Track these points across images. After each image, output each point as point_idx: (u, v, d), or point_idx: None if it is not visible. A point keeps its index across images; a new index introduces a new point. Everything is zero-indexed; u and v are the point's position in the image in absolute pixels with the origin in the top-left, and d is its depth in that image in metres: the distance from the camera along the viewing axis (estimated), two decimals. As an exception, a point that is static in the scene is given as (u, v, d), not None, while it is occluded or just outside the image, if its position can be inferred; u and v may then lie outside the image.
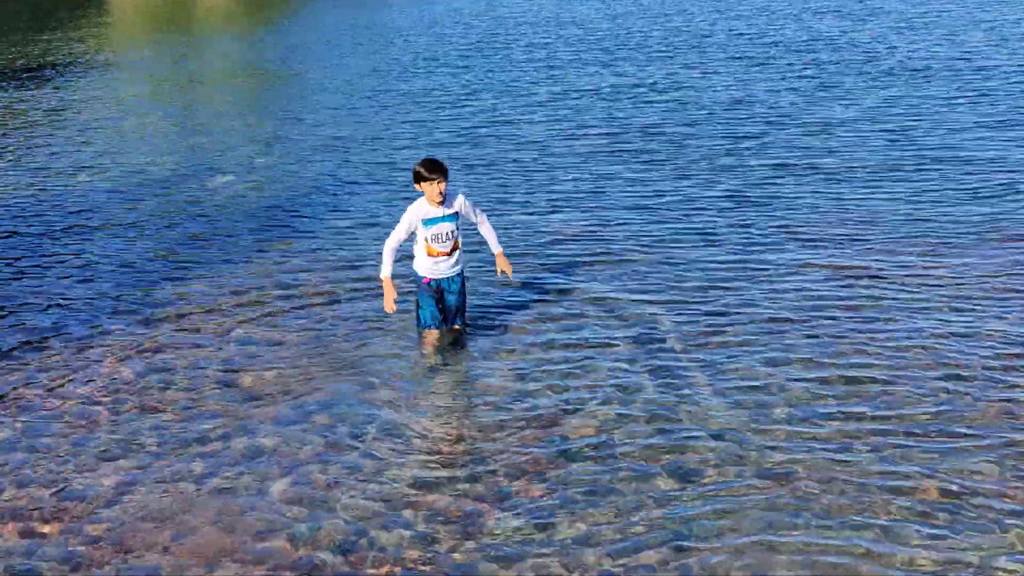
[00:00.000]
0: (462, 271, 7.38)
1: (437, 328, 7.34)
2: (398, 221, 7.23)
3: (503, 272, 7.46)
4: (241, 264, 9.32)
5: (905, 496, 5.30)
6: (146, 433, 6.28)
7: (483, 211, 7.47)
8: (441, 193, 6.98)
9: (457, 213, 7.17)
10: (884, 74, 17.39)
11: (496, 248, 7.45)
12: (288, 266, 9.21)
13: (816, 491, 5.37)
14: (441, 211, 7.08)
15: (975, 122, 13.40)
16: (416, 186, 7.09)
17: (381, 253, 7.22)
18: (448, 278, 7.29)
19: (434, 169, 6.95)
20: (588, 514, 5.26)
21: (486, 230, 7.41)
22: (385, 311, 7.26)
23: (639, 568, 4.83)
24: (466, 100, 16.91)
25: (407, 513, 5.35)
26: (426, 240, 7.11)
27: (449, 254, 7.20)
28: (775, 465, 5.64)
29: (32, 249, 9.97)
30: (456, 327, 7.46)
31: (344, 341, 7.52)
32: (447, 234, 7.14)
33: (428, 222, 7.08)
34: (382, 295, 7.30)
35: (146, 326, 7.96)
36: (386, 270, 7.14)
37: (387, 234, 7.30)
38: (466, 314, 7.54)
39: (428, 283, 7.25)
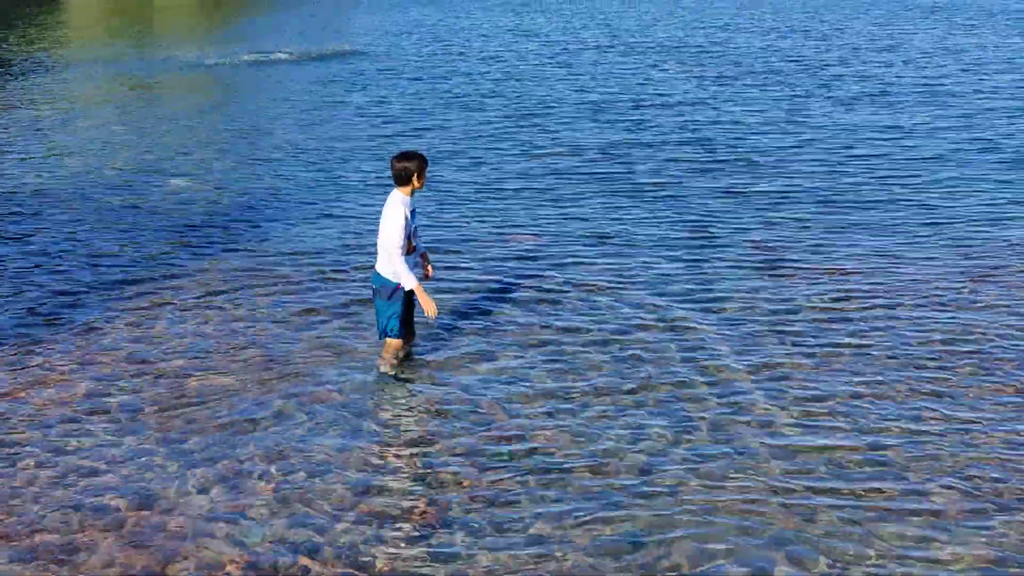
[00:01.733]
0: None
1: (401, 337, 7.12)
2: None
3: (427, 277, 7.25)
4: (196, 268, 9.26)
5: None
6: (85, 438, 6.21)
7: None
8: (422, 179, 6.82)
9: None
10: (851, 97, 17.71)
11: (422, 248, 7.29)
12: (244, 270, 9.16)
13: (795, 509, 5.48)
14: (413, 205, 6.97)
15: (938, 146, 13.71)
16: (414, 179, 6.77)
17: (390, 262, 6.83)
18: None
19: (413, 156, 6.80)
20: (538, 526, 5.30)
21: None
22: (430, 316, 6.87)
23: None
24: (422, 109, 16.94)
25: (353, 520, 5.36)
26: (409, 238, 6.87)
27: (415, 250, 7.09)
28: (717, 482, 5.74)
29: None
30: (411, 336, 7.34)
31: (300, 346, 7.51)
32: (416, 228, 7.08)
33: (413, 215, 6.93)
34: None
35: (92, 329, 7.87)
36: (413, 279, 6.81)
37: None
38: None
39: (400, 289, 6.93)
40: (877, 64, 20.63)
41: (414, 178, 6.81)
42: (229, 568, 4.99)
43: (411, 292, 6.94)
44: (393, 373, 7.09)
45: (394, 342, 7.11)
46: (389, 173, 6.94)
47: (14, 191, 11.95)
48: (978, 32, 24.44)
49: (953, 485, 5.59)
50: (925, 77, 18.85)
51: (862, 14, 28.63)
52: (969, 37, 23.66)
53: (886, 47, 22.98)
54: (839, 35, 24.89)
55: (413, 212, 6.95)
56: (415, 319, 7.29)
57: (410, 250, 6.94)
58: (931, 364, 7.07)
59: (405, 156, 6.86)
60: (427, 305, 6.80)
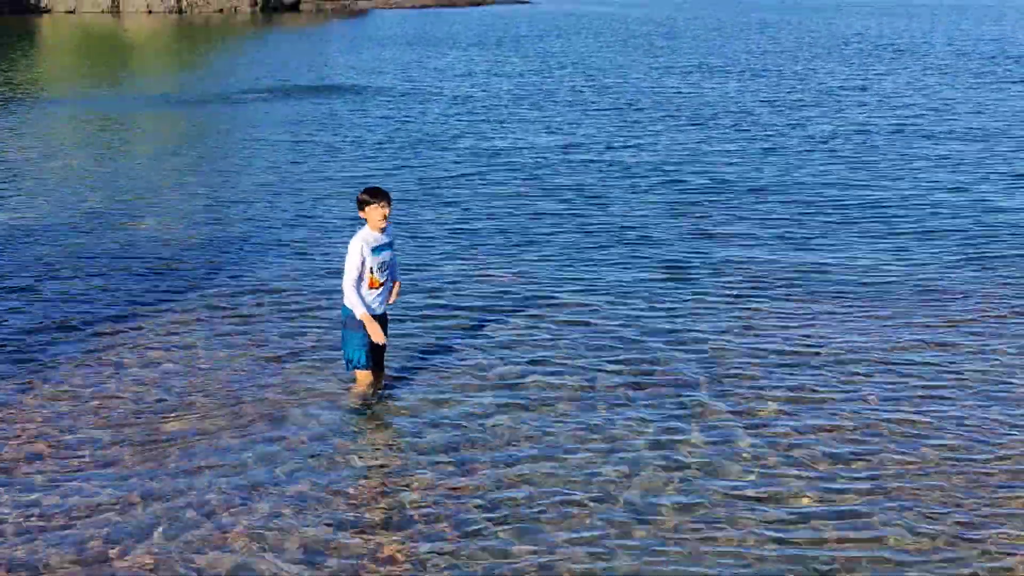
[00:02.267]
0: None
1: (369, 368, 7.23)
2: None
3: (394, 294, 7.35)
4: (165, 308, 9.14)
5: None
6: (50, 478, 6.08)
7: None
8: (385, 217, 7.00)
9: (392, 241, 7.20)
10: (824, 137, 17.91)
11: (396, 277, 7.35)
12: (213, 310, 9.05)
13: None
14: (384, 238, 7.09)
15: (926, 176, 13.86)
16: (360, 213, 7.08)
17: (343, 291, 7.05)
18: (380, 313, 7.19)
19: (378, 194, 7.02)
20: (506, 565, 5.23)
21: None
22: (378, 342, 7.06)
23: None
24: (395, 149, 16.98)
25: (326, 563, 5.26)
26: (371, 271, 7.03)
27: (382, 287, 7.16)
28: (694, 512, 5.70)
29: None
30: (380, 370, 7.36)
31: (270, 384, 7.42)
32: (386, 263, 7.13)
33: (375, 250, 7.04)
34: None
35: (63, 365, 7.75)
36: (363, 307, 6.98)
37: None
38: (386, 351, 7.44)
39: (357, 322, 7.01)
40: (850, 104, 20.91)
41: (362, 213, 7.06)
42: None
43: (377, 321, 7.07)
44: (363, 406, 7.06)
45: (361, 374, 7.22)
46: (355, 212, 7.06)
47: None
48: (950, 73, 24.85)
49: (942, 524, 5.56)
50: (898, 117, 19.12)
51: (834, 53, 29.08)
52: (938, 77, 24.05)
53: (858, 87, 23.32)
54: (812, 75, 25.25)
55: (381, 247, 7.04)
56: (387, 354, 7.39)
57: (372, 284, 7.04)
58: (908, 398, 7.07)
59: (362, 191, 7.17)
60: (373, 333, 7.04)
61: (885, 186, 13.69)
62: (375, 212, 7.00)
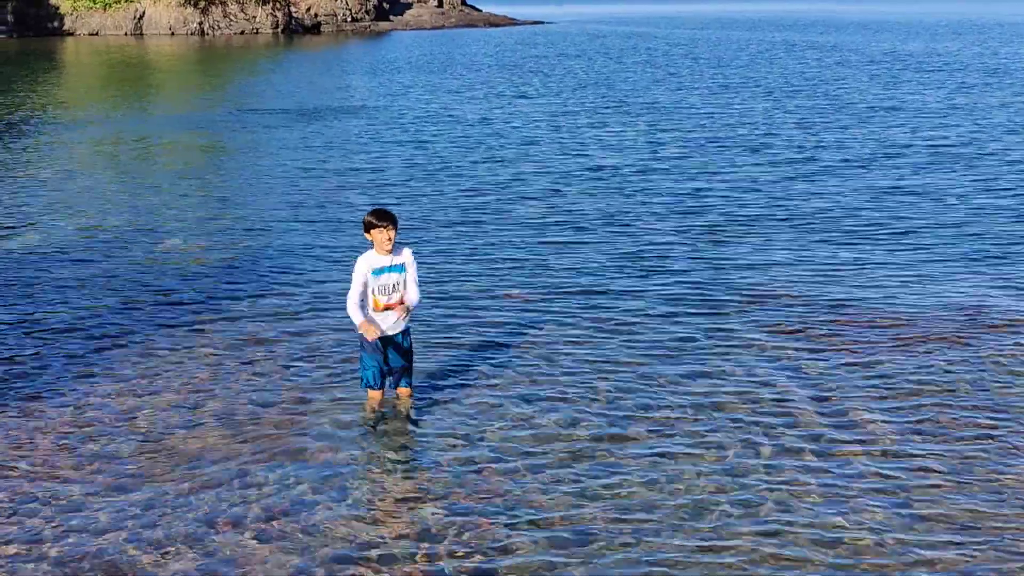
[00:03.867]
0: (408, 328, 7.39)
1: (381, 388, 7.30)
2: (349, 279, 7.28)
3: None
4: (186, 325, 9.26)
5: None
6: (72, 496, 6.16)
7: (418, 276, 7.32)
8: (390, 240, 7.07)
9: (403, 265, 7.21)
10: (841, 160, 17.91)
11: (413, 298, 7.22)
12: (228, 331, 9.13)
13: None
14: (389, 260, 7.12)
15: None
16: (366, 235, 7.17)
17: (345, 310, 7.20)
18: (392, 335, 7.26)
19: (383, 217, 7.08)
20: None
21: (411, 288, 7.21)
22: (370, 338, 7.07)
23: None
24: (414, 172, 17.10)
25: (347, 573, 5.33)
26: (373, 292, 7.13)
27: (393, 308, 7.18)
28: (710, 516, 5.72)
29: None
30: (403, 389, 7.44)
31: (286, 403, 7.50)
32: (393, 286, 7.16)
33: (376, 272, 7.13)
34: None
35: (87, 385, 7.86)
36: (359, 317, 7.07)
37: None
38: (412, 376, 7.52)
39: (372, 341, 7.15)
40: (875, 127, 20.91)
41: (367, 235, 7.14)
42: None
43: (387, 341, 7.18)
44: (375, 424, 7.13)
45: (372, 393, 7.32)
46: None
47: (9, 249, 11.98)
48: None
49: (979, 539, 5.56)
50: (934, 138, 19.09)
51: (863, 70, 29.08)
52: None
53: (879, 108, 23.31)
54: (842, 95, 25.25)
55: (384, 269, 7.10)
56: (412, 371, 7.44)
57: (376, 306, 7.12)
58: (916, 411, 7.08)
59: (368, 212, 7.22)
60: (367, 331, 7.03)
61: (895, 204, 13.66)
62: (379, 235, 7.06)
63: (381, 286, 7.11)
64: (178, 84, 34.31)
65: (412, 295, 7.21)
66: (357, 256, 7.30)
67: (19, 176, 16.63)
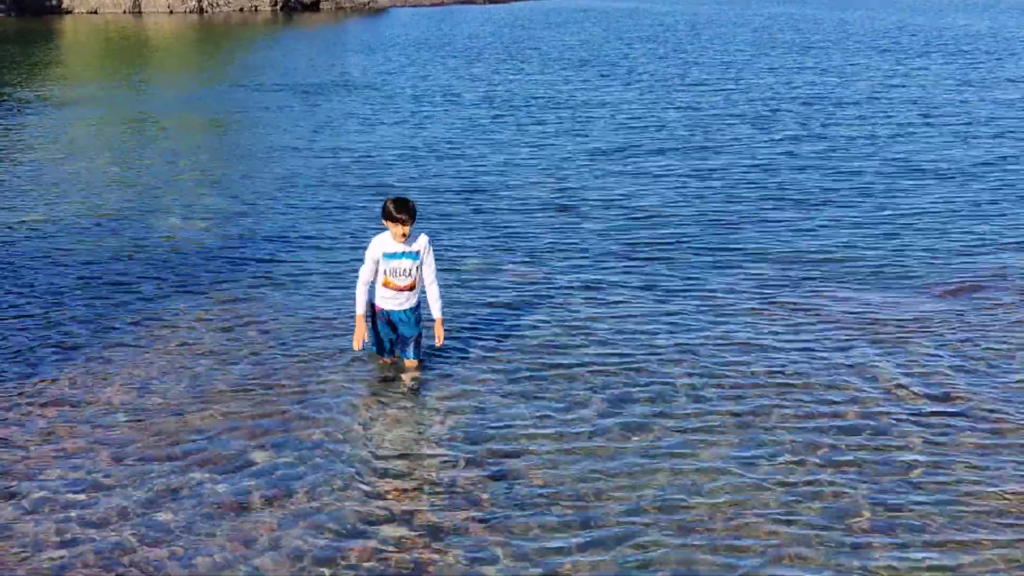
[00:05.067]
0: (417, 305, 7.49)
1: (390, 356, 7.48)
2: (361, 259, 7.40)
3: (436, 337, 7.50)
4: (191, 301, 9.29)
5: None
6: (80, 472, 6.20)
7: (436, 266, 7.51)
8: (404, 235, 7.16)
9: (418, 253, 7.32)
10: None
11: (436, 314, 7.49)
12: (242, 301, 9.20)
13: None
14: (403, 247, 7.25)
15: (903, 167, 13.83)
16: (383, 221, 7.25)
17: (353, 291, 7.44)
18: (400, 311, 7.42)
19: (401, 209, 7.12)
20: (533, 553, 5.30)
21: (432, 290, 7.44)
22: (352, 347, 7.45)
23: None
24: (419, 143, 17.06)
25: (350, 550, 5.35)
26: (385, 272, 7.29)
27: (405, 290, 7.32)
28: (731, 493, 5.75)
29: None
30: (411, 361, 7.54)
31: (293, 375, 7.55)
32: (405, 270, 7.29)
33: (388, 256, 7.25)
34: (347, 330, 7.53)
35: (91, 363, 7.89)
36: (360, 308, 7.37)
37: (347, 272, 7.33)
38: (422, 347, 7.61)
39: (380, 311, 7.42)
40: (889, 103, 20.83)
41: (384, 222, 7.22)
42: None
43: (390, 313, 7.39)
44: (380, 395, 7.24)
45: (380, 361, 7.55)
46: (379, 211, 7.35)
47: (9, 229, 11.97)
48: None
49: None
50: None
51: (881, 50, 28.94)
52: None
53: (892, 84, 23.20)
54: (850, 70, 25.13)
55: (397, 254, 7.21)
56: (421, 342, 7.58)
57: (387, 284, 7.28)
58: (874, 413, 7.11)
59: (389, 199, 7.26)
60: (355, 336, 7.39)
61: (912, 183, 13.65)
62: (395, 228, 7.16)
63: (393, 269, 7.25)
64: (177, 63, 34.17)
65: (433, 292, 7.38)
66: (359, 233, 7.35)
67: (17, 155, 16.59)
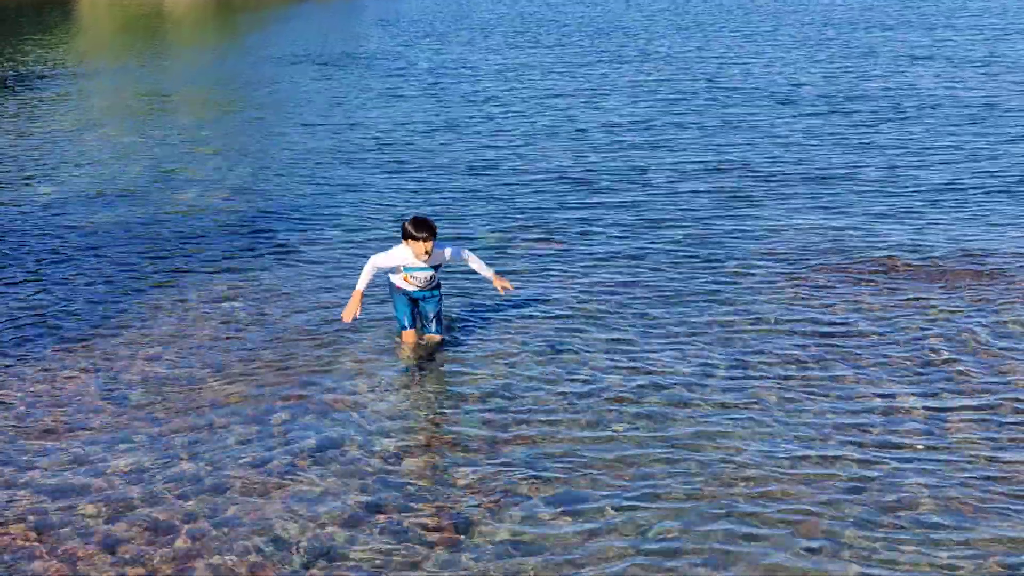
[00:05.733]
0: (437, 286, 7.56)
1: (413, 328, 7.50)
2: (381, 249, 7.51)
3: (505, 289, 7.54)
4: (211, 273, 9.27)
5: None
6: (106, 444, 6.19)
7: (466, 248, 7.63)
8: (427, 252, 7.06)
9: (440, 265, 7.36)
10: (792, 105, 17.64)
11: (488, 273, 7.56)
12: (259, 274, 9.18)
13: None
14: (424, 263, 7.23)
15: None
16: (404, 241, 7.13)
17: (360, 268, 7.44)
18: (420, 292, 7.48)
19: (421, 228, 7.01)
20: (557, 531, 5.26)
21: (476, 264, 7.54)
22: (342, 318, 7.44)
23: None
24: (435, 118, 16.97)
25: (370, 526, 5.32)
26: (404, 272, 7.33)
27: (423, 287, 7.43)
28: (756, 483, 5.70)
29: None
30: (435, 336, 7.55)
31: (315, 348, 7.54)
32: (427, 278, 7.37)
33: (409, 268, 7.28)
34: (365, 304, 7.54)
35: (109, 336, 7.89)
36: (360, 284, 7.35)
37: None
38: (442, 324, 7.63)
39: (400, 289, 7.44)
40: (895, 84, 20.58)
41: (404, 242, 7.17)
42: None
43: (411, 293, 7.41)
44: (407, 364, 7.28)
45: (405, 333, 7.52)
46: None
47: (28, 200, 11.99)
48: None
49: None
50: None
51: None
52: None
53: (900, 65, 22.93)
54: (875, 44, 24.85)
55: (419, 268, 7.22)
56: (442, 317, 7.63)
57: (406, 280, 7.34)
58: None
59: (408, 220, 7.17)
60: (345, 309, 7.38)
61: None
62: (417, 247, 7.06)
63: (413, 276, 7.30)
64: (194, 36, 34.09)
65: (481, 267, 7.51)
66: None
67: (35, 128, 16.60)
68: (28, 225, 10.97)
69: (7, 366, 7.33)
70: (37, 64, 24.76)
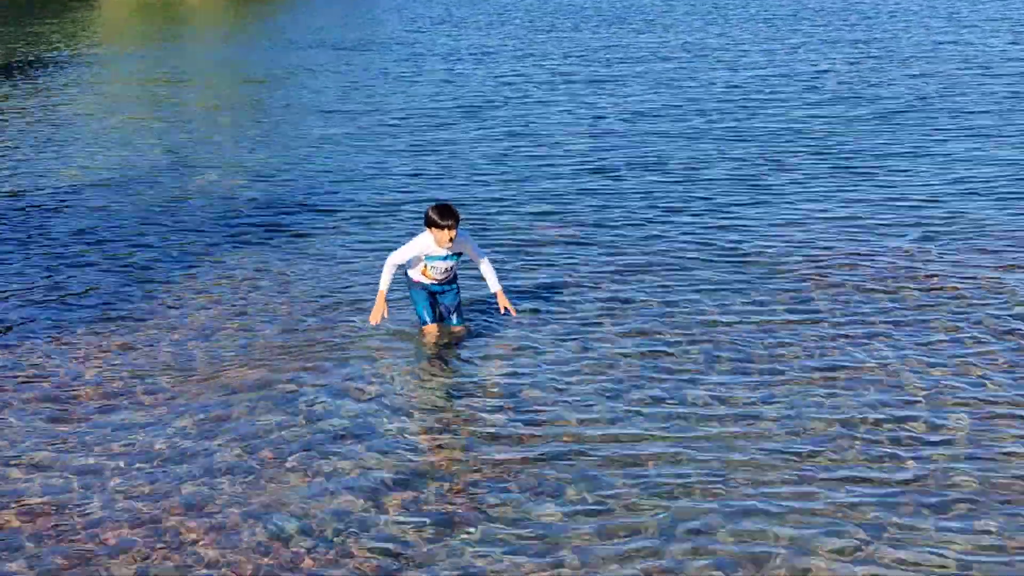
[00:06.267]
0: (455, 278, 7.51)
1: (435, 322, 7.43)
2: (401, 243, 7.43)
3: (506, 309, 7.37)
4: (229, 260, 9.28)
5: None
6: (118, 429, 6.21)
7: (486, 254, 7.53)
8: (451, 240, 7.00)
9: (461, 254, 7.29)
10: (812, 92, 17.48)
11: (495, 287, 7.39)
12: (276, 262, 9.19)
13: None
14: (446, 250, 7.16)
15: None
16: (428, 229, 7.07)
17: (381, 266, 7.35)
18: (439, 286, 7.43)
19: (446, 215, 6.96)
20: (570, 522, 5.22)
21: (486, 269, 7.39)
22: (369, 322, 7.34)
23: None
24: (457, 102, 16.92)
25: (383, 514, 5.30)
26: (424, 265, 7.26)
27: (443, 281, 7.38)
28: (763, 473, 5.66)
29: (8, 240, 9.89)
30: (456, 328, 7.51)
31: (334, 335, 7.53)
32: (448, 269, 7.32)
33: (431, 258, 7.21)
34: (373, 299, 7.42)
35: (126, 320, 7.91)
36: (383, 285, 7.23)
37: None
38: (462, 314, 7.58)
39: (417, 283, 7.38)
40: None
41: (428, 230, 7.08)
42: (248, 562, 4.97)
43: (431, 287, 7.35)
44: (429, 357, 7.22)
45: (426, 328, 7.42)
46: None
47: (47, 184, 12.03)
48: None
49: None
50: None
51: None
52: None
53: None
54: (903, 32, 24.62)
55: (441, 257, 7.16)
56: (461, 309, 7.56)
57: (424, 274, 7.28)
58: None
59: (432, 208, 7.09)
60: (372, 312, 7.28)
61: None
62: (441, 235, 7.01)
63: (434, 267, 7.22)
64: (212, 21, 34.11)
65: (486, 269, 7.36)
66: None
67: (56, 111, 16.65)
68: (48, 208, 11.02)
69: (29, 349, 7.35)
70: (57, 48, 24.83)
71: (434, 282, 7.37)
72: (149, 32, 30.17)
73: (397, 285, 7.72)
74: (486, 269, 7.40)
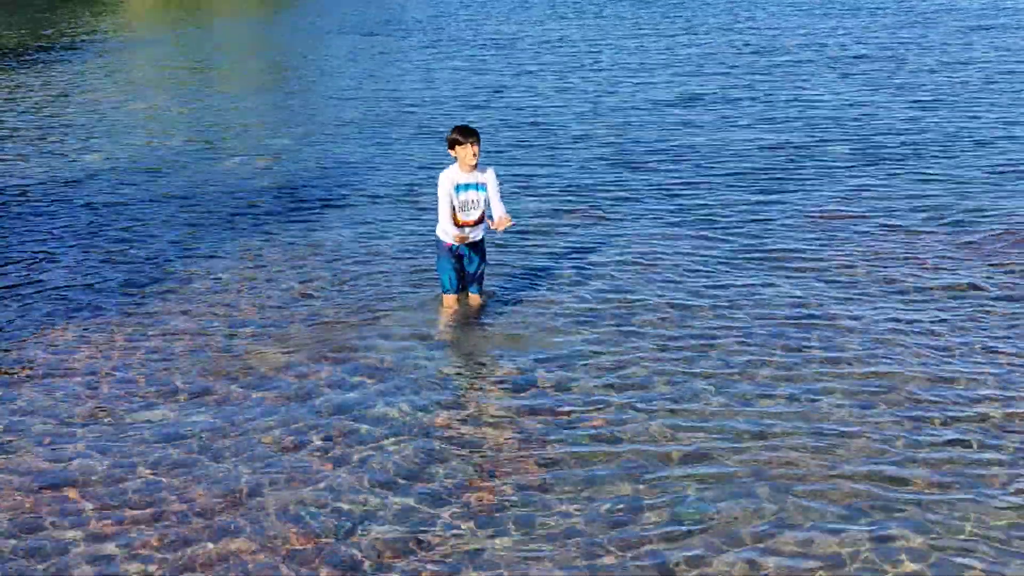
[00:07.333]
0: (483, 238, 7.55)
1: (456, 292, 7.53)
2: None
3: (501, 221, 7.24)
4: (253, 242, 9.30)
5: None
6: (144, 415, 6.22)
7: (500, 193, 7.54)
8: (475, 155, 7.14)
9: (486, 184, 7.31)
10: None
11: (500, 209, 7.31)
12: (301, 243, 9.21)
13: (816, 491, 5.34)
14: (473, 178, 7.24)
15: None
16: (451, 152, 7.25)
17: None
18: (466, 246, 7.43)
19: (468, 133, 7.16)
20: (587, 504, 5.18)
21: (493, 193, 7.35)
22: (456, 241, 7.32)
23: (644, 562, 4.78)
24: (479, 88, 16.86)
25: (402, 495, 5.29)
26: (454, 208, 7.27)
27: (473, 225, 7.37)
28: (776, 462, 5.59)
29: (39, 226, 9.95)
30: (474, 296, 7.61)
31: (354, 312, 7.58)
32: (474, 202, 7.31)
33: (458, 188, 7.25)
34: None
35: (153, 305, 7.93)
36: (448, 239, 7.30)
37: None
38: (483, 284, 7.66)
39: (449, 247, 7.40)
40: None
41: (452, 152, 7.22)
42: (267, 547, 4.95)
43: (460, 248, 7.38)
44: (450, 327, 7.32)
45: (447, 297, 7.54)
46: (442, 151, 7.30)
47: (74, 169, 12.09)
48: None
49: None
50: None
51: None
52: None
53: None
54: (939, 13, 24.30)
55: (466, 185, 7.24)
56: (484, 278, 7.67)
57: (455, 221, 7.26)
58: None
59: (452, 129, 7.29)
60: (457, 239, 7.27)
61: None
62: (465, 151, 7.14)
63: (463, 203, 7.27)
64: (236, 7, 34.18)
65: (499, 210, 7.30)
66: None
67: (81, 97, 16.73)
68: (74, 193, 11.06)
69: (58, 334, 7.38)
70: (85, 36, 24.94)
71: (464, 230, 7.26)
72: (173, 18, 30.25)
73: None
74: (493, 190, 7.32)
